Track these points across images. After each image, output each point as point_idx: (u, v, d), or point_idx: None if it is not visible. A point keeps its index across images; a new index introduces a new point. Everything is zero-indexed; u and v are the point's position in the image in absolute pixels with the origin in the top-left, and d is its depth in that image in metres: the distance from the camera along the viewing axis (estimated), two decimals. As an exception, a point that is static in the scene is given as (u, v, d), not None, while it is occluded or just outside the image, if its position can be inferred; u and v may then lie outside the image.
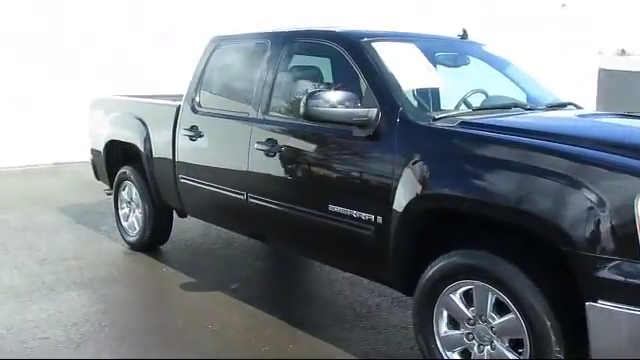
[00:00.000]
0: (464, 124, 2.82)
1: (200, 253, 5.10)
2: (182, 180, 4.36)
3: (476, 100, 3.56)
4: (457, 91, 3.46)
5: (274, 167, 3.58)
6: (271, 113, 3.68)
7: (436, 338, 2.80)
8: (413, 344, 3.36)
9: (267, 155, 3.57)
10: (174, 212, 4.92)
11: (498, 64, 3.98)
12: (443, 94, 3.42)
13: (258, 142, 3.63)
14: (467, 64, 3.80)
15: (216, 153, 4.10)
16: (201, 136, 4.15)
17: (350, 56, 3.29)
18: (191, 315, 3.77)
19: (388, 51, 3.29)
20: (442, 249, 2.77)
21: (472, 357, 2.68)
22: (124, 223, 5.21)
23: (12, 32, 8.75)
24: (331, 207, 3.20)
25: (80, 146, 8.62)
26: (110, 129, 5.17)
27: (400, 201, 2.84)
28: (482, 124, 2.80)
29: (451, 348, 2.76)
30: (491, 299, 2.57)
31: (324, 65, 3.74)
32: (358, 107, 3.04)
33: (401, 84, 3.09)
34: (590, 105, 10.96)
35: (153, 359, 3.23)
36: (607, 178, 2.26)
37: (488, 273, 2.54)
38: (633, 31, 17.13)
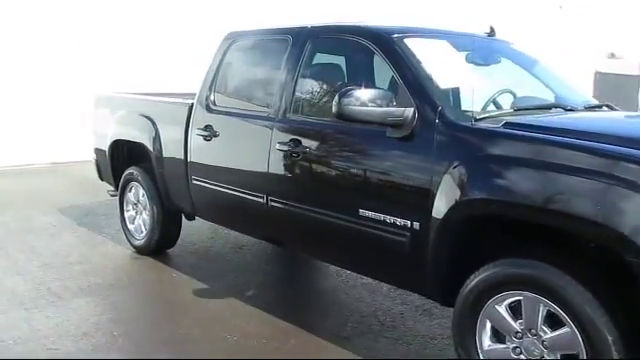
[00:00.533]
0: (510, 125, 2.66)
1: (210, 257, 4.91)
2: (195, 182, 4.17)
3: (506, 100, 3.41)
4: (490, 91, 3.30)
5: (298, 169, 3.41)
6: (294, 112, 3.50)
7: (479, 351, 2.63)
8: (444, 356, 3.22)
9: (290, 156, 3.40)
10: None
11: (527, 63, 3.83)
12: (477, 94, 3.26)
13: (280, 142, 3.45)
14: (498, 62, 3.64)
15: (233, 154, 3.91)
16: (216, 136, 3.96)
17: (382, 53, 3.13)
18: (207, 325, 3.58)
19: (421, 48, 3.13)
20: (485, 258, 2.61)
21: (519, 372, 2.52)
22: (130, 226, 5.01)
23: (7, 31, 8.52)
24: (362, 212, 3.03)
25: (77, 145, 8.45)
26: (116, 128, 4.97)
27: (440, 207, 2.67)
28: (530, 125, 2.64)
29: (495, 362, 2.60)
30: (542, 311, 2.41)
31: (351, 62, 3.58)
32: (393, 106, 2.87)
33: (438, 82, 2.93)
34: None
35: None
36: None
37: (540, 283, 2.38)
38: (622, 34, 17.20)
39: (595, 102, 3.59)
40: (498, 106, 3.34)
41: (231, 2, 9.80)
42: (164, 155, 4.45)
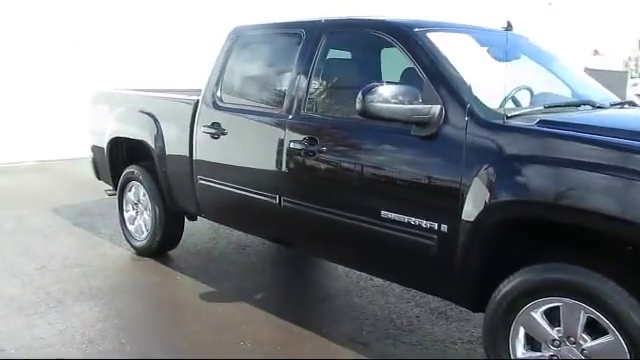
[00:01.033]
0: (545, 123, 2.54)
1: (213, 258, 4.76)
2: (201, 181, 4.02)
3: (525, 97, 3.30)
4: (514, 87, 3.18)
5: (313, 169, 3.27)
6: (308, 110, 3.36)
7: (512, 360, 2.53)
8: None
9: (305, 155, 3.26)
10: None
11: (546, 59, 3.73)
12: (501, 90, 3.14)
13: (294, 141, 3.32)
14: (518, 58, 3.53)
15: (243, 152, 3.76)
16: (224, 134, 3.81)
17: (404, 48, 2.99)
18: (218, 330, 3.44)
19: (445, 42, 3.00)
20: (517, 262, 2.50)
21: (556, 382, 2.42)
22: (130, 226, 4.83)
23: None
24: (384, 213, 2.90)
25: (66, 143, 8.25)
26: (115, 125, 4.79)
27: (471, 209, 2.55)
28: (566, 123, 2.53)
29: (530, 371, 2.49)
30: (583, 318, 2.31)
31: (369, 57, 3.44)
32: (419, 103, 2.75)
33: (466, 78, 2.81)
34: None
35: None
36: None
37: (582, 289, 2.27)
38: (606, 32, 17.30)
39: (618, 99, 3.49)
40: (517, 103, 3.23)
41: (226, 5, 9.63)
42: (167, 153, 4.29)
